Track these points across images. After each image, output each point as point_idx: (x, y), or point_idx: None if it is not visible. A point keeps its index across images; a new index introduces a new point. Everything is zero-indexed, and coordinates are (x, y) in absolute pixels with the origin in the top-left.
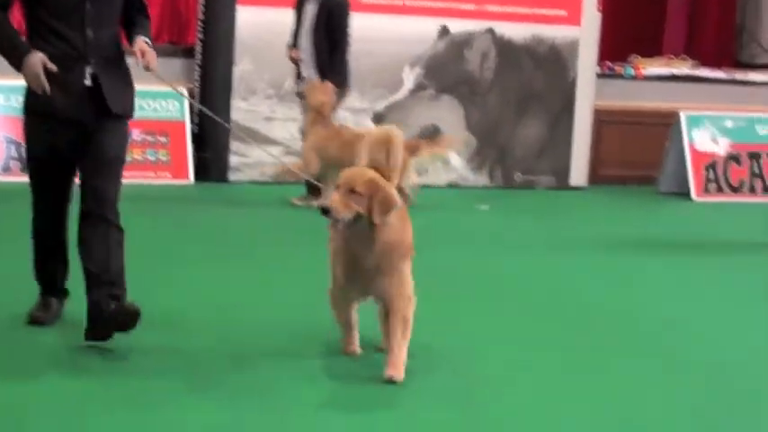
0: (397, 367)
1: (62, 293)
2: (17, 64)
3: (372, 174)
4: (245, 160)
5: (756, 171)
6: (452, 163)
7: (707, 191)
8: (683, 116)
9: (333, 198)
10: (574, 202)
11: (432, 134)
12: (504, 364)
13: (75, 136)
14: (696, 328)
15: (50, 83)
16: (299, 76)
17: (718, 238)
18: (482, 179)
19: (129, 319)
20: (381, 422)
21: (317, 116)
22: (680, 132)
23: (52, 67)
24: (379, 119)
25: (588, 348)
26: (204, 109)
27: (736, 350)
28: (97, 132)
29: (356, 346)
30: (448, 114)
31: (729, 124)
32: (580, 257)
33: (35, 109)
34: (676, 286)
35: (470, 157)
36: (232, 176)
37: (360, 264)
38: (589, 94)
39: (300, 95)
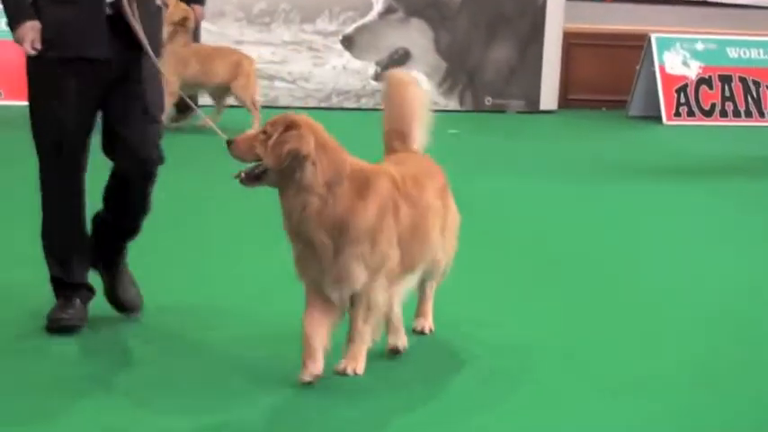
0: (355, 358)
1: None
2: (12, 27)
3: (296, 117)
4: None
5: (728, 94)
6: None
7: (678, 114)
8: (653, 39)
9: (240, 136)
10: (544, 126)
11: (400, 57)
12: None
13: (101, 80)
14: (652, 254)
15: (65, 17)
16: None
17: (689, 162)
18: (452, 103)
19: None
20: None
21: (176, 32)
22: (650, 55)
23: (37, 45)
24: (348, 42)
25: (530, 273)
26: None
27: (690, 277)
28: (127, 73)
29: (316, 370)
30: (417, 37)
31: (700, 47)
32: (546, 181)
33: (46, 51)
34: (639, 211)
35: (440, 81)
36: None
37: (305, 244)
38: (559, 16)
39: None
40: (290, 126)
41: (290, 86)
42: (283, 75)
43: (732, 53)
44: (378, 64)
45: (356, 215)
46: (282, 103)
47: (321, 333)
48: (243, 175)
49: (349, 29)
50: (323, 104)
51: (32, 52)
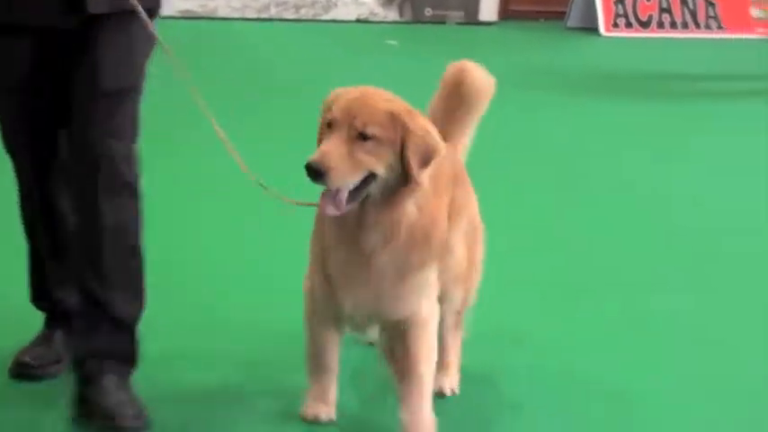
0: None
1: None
2: None
3: (390, 100)
4: None
5: (665, 6)
6: None
7: (615, 26)
8: None
9: (326, 150)
10: (483, 38)
11: None
12: None
13: (49, 54)
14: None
15: None
16: None
17: (625, 75)
18: (392, 14)
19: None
20: None
21: None
22: None
23: None
24: None
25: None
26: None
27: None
28: (87, 46)
29: (328, 407)
30: None
31: None
32: None
33: None
34: (575, 124)
35: None
36: None
37: (363, 265)
38: None
39: None
40: (405, 126)
41: None
42: None
43: None
44: None
45: (437, 227)
46: (221, 14)
47: (335, 359)
48: (337, 200)
49: None
50: (262, 15)
51: None
